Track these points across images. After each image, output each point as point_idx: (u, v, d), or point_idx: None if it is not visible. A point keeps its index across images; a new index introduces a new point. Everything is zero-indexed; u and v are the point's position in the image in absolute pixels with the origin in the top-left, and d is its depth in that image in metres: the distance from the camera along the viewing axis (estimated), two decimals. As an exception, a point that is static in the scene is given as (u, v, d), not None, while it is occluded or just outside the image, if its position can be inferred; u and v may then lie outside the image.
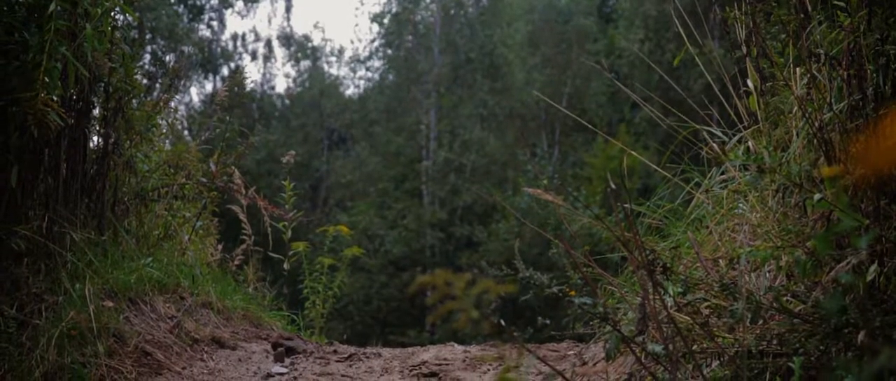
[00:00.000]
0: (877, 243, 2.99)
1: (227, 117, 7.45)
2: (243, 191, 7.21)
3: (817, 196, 3.11)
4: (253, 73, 40.41)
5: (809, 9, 4.07)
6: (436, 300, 2.39)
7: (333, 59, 42.45)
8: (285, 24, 43.51)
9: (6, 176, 4.96)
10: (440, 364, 5.67)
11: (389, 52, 38.57)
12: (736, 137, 4.67)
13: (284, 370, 5.59)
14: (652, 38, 31.26)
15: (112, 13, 5.48)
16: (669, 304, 3.48)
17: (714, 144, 4.73)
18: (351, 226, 21.20)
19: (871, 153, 3.04)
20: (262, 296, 7.69)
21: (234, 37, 40.62)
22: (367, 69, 40.49)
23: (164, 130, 7.06)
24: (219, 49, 39.65)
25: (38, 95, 4.71)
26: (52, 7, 4.70)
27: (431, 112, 34.78)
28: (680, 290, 3.59)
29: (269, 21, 49.58)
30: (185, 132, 25.79)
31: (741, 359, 3.15)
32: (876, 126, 3.19)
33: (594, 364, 4.85)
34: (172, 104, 7.13)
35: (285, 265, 8.52)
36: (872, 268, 2.97)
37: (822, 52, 3.80)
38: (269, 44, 41.23)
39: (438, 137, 34.02)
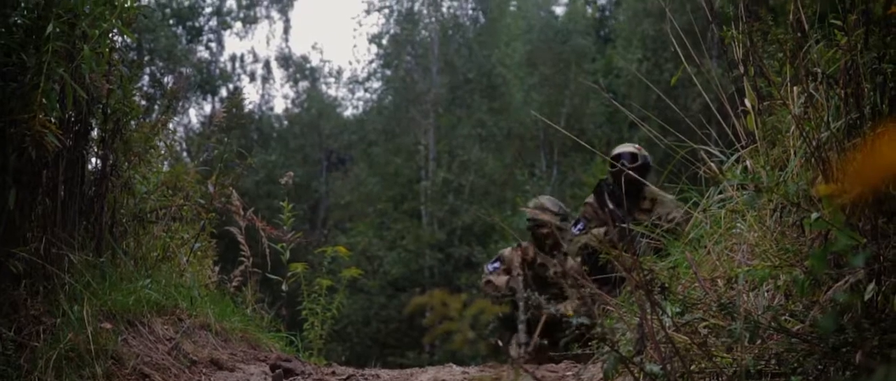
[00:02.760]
0: (874, 262, 2.99)
1: (226, 139, 7.45)
2: (241, 212, 7.21)
3: (815, 215, 3.11)
4: (251, 94, 40.48)
5: (806, 28, 4.08)
6: (433, 321, 2.39)
7: (332, 80, 42.53)
8: (284, 45, 43.51)
9: (4, 198, 4.95)
10: (439, 386, 5.66)
11: (388, 72, 38.59)
12: (734, 157, 4.67)
13: (283, 392, 5.59)
14: (650, 58, 31.26)
15: (110, 35, 5.48)
16: (667, 324, 3.48)
17: (712, 164, 4.74)
18: (350, 247, 21.16)
19: (869, 172, 3.04)
20: (261, 317, 7.67)
21: (233, 58, 40.73)
22: (366, 90, 40.49)
23: (163, 152, 7.05)
24: (217, 70, 39.71)
25: (36, 117, 4.71)
26: (49, 29, 4.70)
27: (430, 133, 34.79)
28: (678, 310, 3.59)
29: (268, 42, 49.67)
30: (184, 154, 25.80)
31: (740, 379, 3.15)
32: (873, 144, 3.20)
33: (593, 385, 4.84)
34: (171, 125, 7.13)
35: (284, 286, 8.51)
36: (870, 287, 2.97)
37: (819, 71, 3.81)
38: (267, 65, 41.26)
39: (437, 157, 34.01)
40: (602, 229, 8.75)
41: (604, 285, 7.39)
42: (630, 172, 8.09)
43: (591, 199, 9.32)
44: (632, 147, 9.14)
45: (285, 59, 41.58)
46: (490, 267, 10.17)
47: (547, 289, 9.62)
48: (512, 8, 40.84)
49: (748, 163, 4.47)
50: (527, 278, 9.70)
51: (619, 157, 8.96)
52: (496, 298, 9.70)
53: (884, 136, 3.17)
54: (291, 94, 41.56)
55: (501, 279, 9.84)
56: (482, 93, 34.77)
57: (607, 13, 43.54)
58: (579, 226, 9.14)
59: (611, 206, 8.67)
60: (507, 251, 10.18)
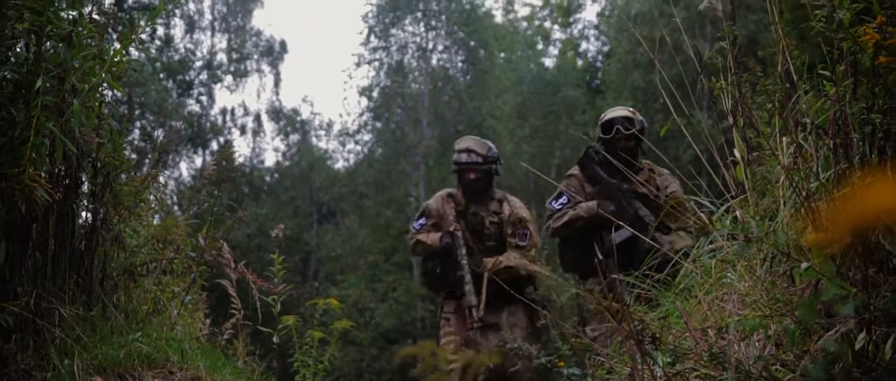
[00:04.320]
0: (865, 311, 2.99)
1: (216, 191, 7.45)
2: (232, 265, 7.20)
3: (805, 265, 3.12)
4: (242, 147, 40.53)
5: (795, 78, 4.10)
6: (422, 372, 2.39)
7: (322, 132, 42.58)
8: (274, 98, 43.56)
9: (-6, 252, 4.95)
10: (430, 438, 5.63)
11: (378, 125, 38.68)
12: (724, 207, 4.68)
13: (274, 445, 5.57)
14: (640, 109, 31.23)
15: (100, 89, 5.49)
16: (659, 374, 3.48)
17: (702, 214, 4.74)
18: (341, 299, 21.12)
19: (858, 221, 3.05)
20: (252, 370, 7.64)
21: (224, 111, 40.83)
22: (356, 142, 40.53)
23: (153, 205, 7.05)
24: (208, 124, 39.78)
25: (25, 171, 4.70)
26: (39, 83, 4.70)
27: (421, 184, 34.84)
28: (669, 360, 3.59)
29: (258, 95, 49.63)
30: (175, 207, 25.79)
31: (732, 429, 3.14)
32: (862, 194, 3.21)
33: (585, 436, 4.82)
34: (162, 179, 7.13)
35: (275, 339, 8.48)
36: (861, 336, 2.97)
37: (808, 121, 3.82)
38: (258, 118, 41.36)
39: (427, 209, 33.99)
40: (591, 203, 8.00)
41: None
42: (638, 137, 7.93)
43: (575, 170, 8.48)
44: (625, 110, 8.37)
45: (276, 113, 41.72)
46: (416, 225, 9.20)
47: (482, 241, 8.97)
48: (501, 60, 41.03)
49: (738, 213, 4.48)
50: (464, 231, 8.91)
51: (611, 123, 8.16)
52: (429, 259, 9.03)
53: (873, 186, 3.18)
54: (282, 146, 41.70)
55: (433, 237, 8.97)
56: (473, 145, 34.79)
57: (597, 64, 43.75)
58: (561, 200, 8.20)
59: (605, 176, 8.04)
60: (432, 202, 9.26)
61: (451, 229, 8.84)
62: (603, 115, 8.46)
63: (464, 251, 8.74)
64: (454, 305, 8.99)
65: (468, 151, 9.03)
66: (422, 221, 9.16)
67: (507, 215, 9.05)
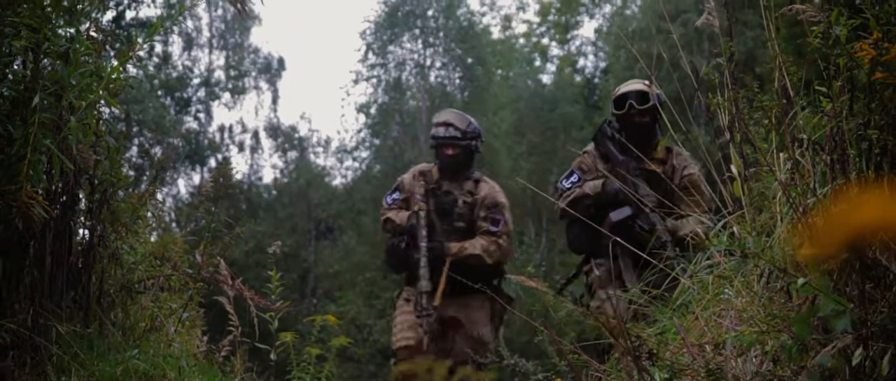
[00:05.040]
0: (862, 327, 2.99)
1: (213, 208, 7.45)
2: (230, 282, 7.19)
3: (802, 281, 3.12)
4: (240, 164, 40.54)
5: (792, 95, 4.11)
6: (419, 389, 2.38)
7: (320, 149, 42.58)
8: (272, 115, 43.54)
9: (-9, 269, 4.95)
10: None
11: (376, 142, 38.74)
12: (721, 223, 4.69)
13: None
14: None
15: (97, 106, 5.49)
16: (656, 390, 3.47)
17: (698, 230, 4.74)
18: (339, 315, 21.10)
19: (855, 237, 3.05)
20: (249, 387, 7.64)
21: (222, 128, 40.78)
22: (354, 159, 40.62)
23: (151, 222, 7.05)
24: (206, 141, 39.78)
25: (22, 188, 4.70)
26: (36, 100, 4.71)
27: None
28: (666, 376, 3.58)
29: (256, 112, 49.58)
30: (173, 224, 25.79)
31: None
32: (859, 210, 3.21)
33: (583, 453, 4.81)
34: (159, 196, 7.12)
35: (272, 356, 8.46)
36: (858, 352, 2.97)
37: (805, 137, 3.83)
38: (256, 135, 41.34)
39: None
40: (597, 182, 7.51)
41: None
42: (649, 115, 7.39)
43: (589, 147, 7.90)
44: (641, 84, 7.68)
45: (274, 130, 41.70)
46: (389, 199, 8.56)
47: (451, 222, 8.32)
48: (499, 77, 41.07)
49: (735, 229, 4.48)
50: (429, 211, 8.25)
51: (625, 97, 7.58)
52: (394, 239, 8.33)
53: (870, 201, 3.19)
54: (280, 163, 41.68)
55: (402, 215, 8.31)
56: (470, 161, 34.82)
57: (595, 81, 43.78)
58: (573, 178, 7.66)
59: (616, 153, 7.48)
60: (407, 177, 8.60)
61: (416, 208, 8.19)
62: (617, 89, 7.89)
63: (424, 233, 8.08)
64: (413, 290, 8.25)
65: (446, 124, 8.46)
66: (395, 195, 8.55)
67: (482, 197, 8.40)
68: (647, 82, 7.65)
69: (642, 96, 7.45)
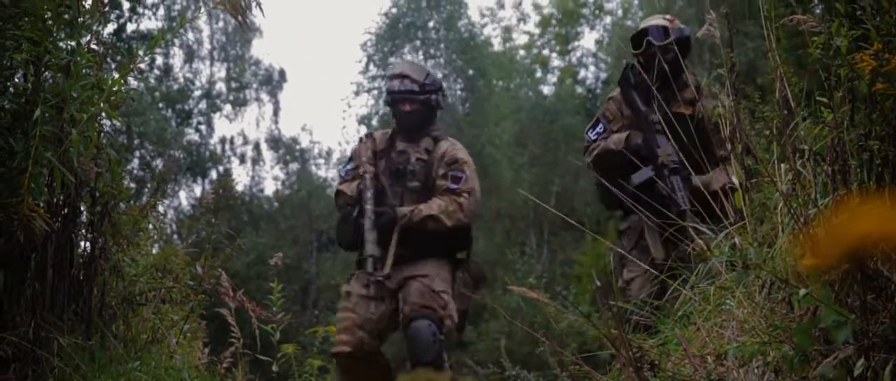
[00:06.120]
0: (864, 338, 2.99)
1: (214, 220, 7.45)
2: (231, 294, 7.18)
3: (803, 291, 3.12)
4: (241, 176, 40.53)
5: (793, 105, 4.11)
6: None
7: (322, 161, 42.54)
8: (273, 127, 43.57)
9: (-7, 282, 4.95)
10: (430, 467, 5.58)
11: (377, 153, 38.65)
12: (722, 234, 4.68)
13: None
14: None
15: (98, 118, 5.49)
16: (658, 401, 3.47)
17: (700, 241, 4.74)
18: (340, 328, 21.06)
19: (856, 248, 3.05)
20: (252, 399, 7.64)
21: (223, 140, 40.72)
22: (356, 171, 40.50)
23: (152, 234, 7.05)
24: (207, 153, 39.75)
25: (23, 201, 4.70)
26: (37, 113, 4.71)
27: (421, 212, 34.76)
28: (668, 387, 3.58)
29: (258, 124, 49.45)
30: (175, 236, 25.78)
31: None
32: (860, 221, 3.21)
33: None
34: (161, 208, 7.12)
35: (274, 368, 8.46)
36: (859, 363, 2.97)
37: (806, 148, 3.83)
38: (257, 147, 41.33)
39: (427, 237, 33.93)
40: (622, 135, 7.02)
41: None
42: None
43: (615, 93, 7.34)
44: (662, 19, 7.14)
45: (275, 141, 41.67)
46: (343, 171, 7.76)
47: (404, 183, 7.43)
48: (500, 88, 41.04)
49: (737, 240, 4.48)
50: (377, 173, 7.40)
51: (644, 33, 7.02)
52: (344, 210, 7.46)
53: (871, 212, 3.19)
54: (281, 175, 41.65)
55: (352, 186, 7.43)
56: (471, 173, 34.78)
57: (596, 92, 43.73)
58: (598, 128, 7.19)
59: (638, 102, 6.94)
60: (357, 145, 7.82)
61: (361, 171, 7.35)
62: (639, 24, 7.30)
63: (369, 194, 7.21)
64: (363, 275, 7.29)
65: (401, 77, 7.54)
66: (348, 166, 7.71)
67: (440, 154, 7.52)
68: (669, 17, 7.23)
69: (664, 32, 6.99)
